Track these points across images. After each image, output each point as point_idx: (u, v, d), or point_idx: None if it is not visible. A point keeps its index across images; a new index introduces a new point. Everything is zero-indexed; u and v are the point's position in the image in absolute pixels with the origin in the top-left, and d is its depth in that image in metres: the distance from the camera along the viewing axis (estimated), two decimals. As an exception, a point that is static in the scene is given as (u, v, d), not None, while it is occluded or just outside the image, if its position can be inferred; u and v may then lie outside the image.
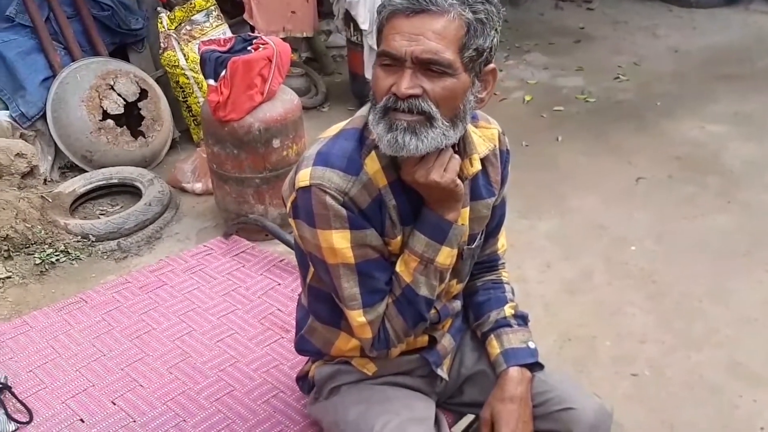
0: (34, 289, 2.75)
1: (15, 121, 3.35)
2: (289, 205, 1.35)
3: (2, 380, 1.69)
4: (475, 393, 1.53)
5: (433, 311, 1.40)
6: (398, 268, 1.33)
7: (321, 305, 1.47)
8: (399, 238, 1.32)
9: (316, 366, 1.55)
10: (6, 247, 2.79)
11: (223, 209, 3.02)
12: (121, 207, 3.34)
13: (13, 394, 1.67)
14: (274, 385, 1.76)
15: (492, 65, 1.24)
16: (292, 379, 1.78)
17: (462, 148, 1.31)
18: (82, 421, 1.63)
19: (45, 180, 3.40)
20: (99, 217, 3.23)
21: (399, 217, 1.30)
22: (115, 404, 1.68)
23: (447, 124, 1.19)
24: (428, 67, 1.15)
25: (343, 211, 1.24)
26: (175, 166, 3.53)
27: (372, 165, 1.27)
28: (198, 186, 3.40)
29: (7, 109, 3.37)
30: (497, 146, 1.45)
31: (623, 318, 2.62)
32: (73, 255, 2.90)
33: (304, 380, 1.63)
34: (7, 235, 2.79)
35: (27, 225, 2.88)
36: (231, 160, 2.82)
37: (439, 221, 1.29)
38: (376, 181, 1.27)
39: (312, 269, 1.42)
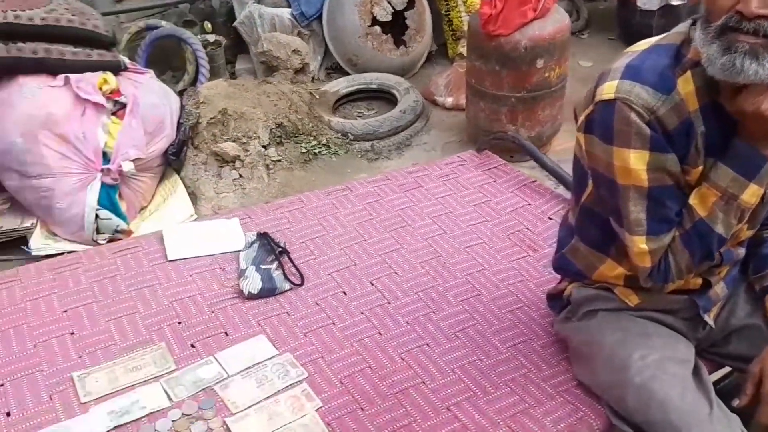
0: (298, 175, 3.03)
1: (295, 19, 3.63)
2: (582, 118, 1.32)
3: (282, 245, 1.91)
4: (743, 347, 1.44)
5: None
6: (692, 200, 1.26)
7: (592, 228, 1.45)
8: (700, 168, 1.24)
9: (574, 286, 1.54)
10: (279, 134, 3.09)
11: (473, 125, 3.06)
12: (376, 111, 3.53)
13: (290, 258, 1.88)
14: (518, 298, 1.80)
15: None
16: (537, 295, 1.81)
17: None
18: (344, 293, 1.80)
19: (312, 78, 3.68)
20: (356, 119, 3.45)
21: (705, 146, 1.22)
22: (372, 285, 1.83)
23: None
24: None
25: (647, 130, 1.19)
26: (430, 79, 3.62)
27: (685, 85, 1.19)
28: (449, 100, 3.46)
29: (290, 7, 3.65)
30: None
31: None
32: (333, 150, 3.14)
33: (555, 298, 1.64)
34: (282, 123, 3.09)
35: (298, 116, 3.15)
36: (491, 77, 2.82)
37: (754, 156, 1.18)
38: (687, 104, 1.19)
39: (590, 188, 1.40)
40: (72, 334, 1.63)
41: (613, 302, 1.48)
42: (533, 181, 2.29)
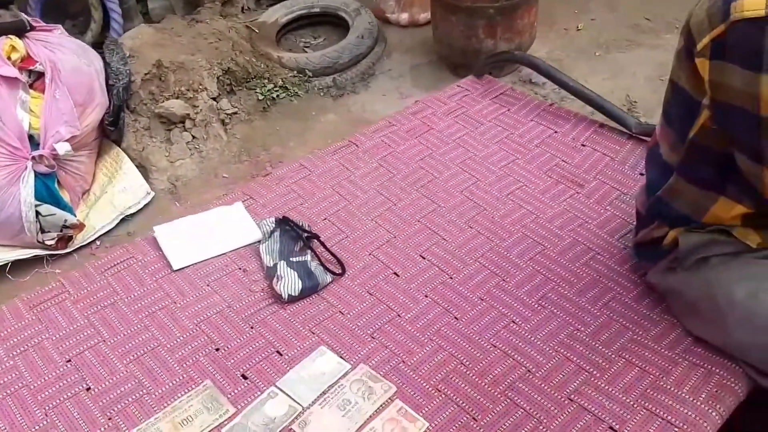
0: (258, 126, 2.66)
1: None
2: (706, 41, 1.07)
3: (307, 228, 1.61)
4: None
5: None
6: None
7: (703, 166, 1.24)
8: None
9: (679, 233, 1.34)
10: (229, 81, 2.67)
11: (445, 44, 2.75)
12: (325, 39, 3.14)
13: (322, 243, 1.58)
14: (587, 246, 1.60)
15: None
16: (603, 239, 1.61)
17: None
18: (396, 274, 1.54)
19: (242, 8, 3.22)
20: (305, 50, 3.05)
21: None
22: (424, 258, 1.57)
23: None
24: None
25: None
26: (377, -5, 3.25)
27: None
28: (404, 17, 3.12)
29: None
30: None
31: None
32: (292, 91, 2.76)
33: (646, 247, 1.44)
34: (229, 68, 2.67)
35: (245, 58, 2.74)
36: (465, -13, 2.51)
37: None
38: None
39: (700, 122, 1.18)
40: (88, 389, 1.30)
41: (730, 246, 1.29)
42: (551, 104, 2.05)
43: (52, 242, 2.27)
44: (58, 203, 2.30)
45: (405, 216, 1.69)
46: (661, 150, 1.35)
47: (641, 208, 1.44)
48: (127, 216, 2.43)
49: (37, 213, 2.23)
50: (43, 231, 2.26)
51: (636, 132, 1.88)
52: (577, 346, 1.36)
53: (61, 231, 2.29)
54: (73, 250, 2.32)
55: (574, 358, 1.34)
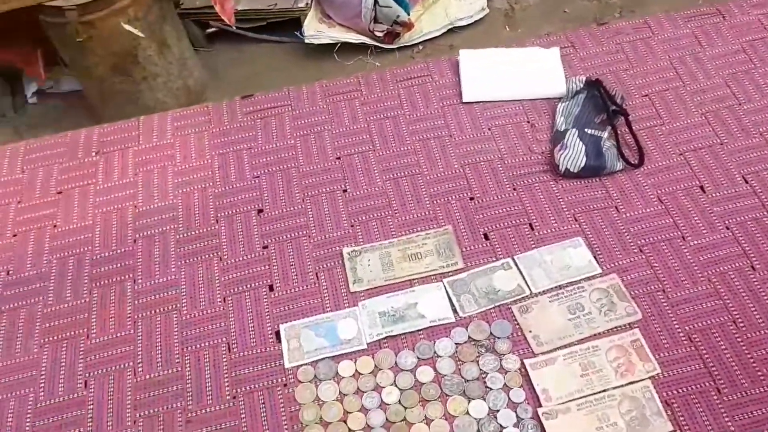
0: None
1: None
2: None
3: (618, 101, 1.37)
4: None
5: None
6: None
7: None
8: None
9: None
10: None
11: None
12: None
13: (628, 123, 1.34)
14: None
15: None
16: None
17: None
18: (702, 189, 1.26)
19: None
20: None
21: None
22: (746, 182, 1.26)
23: None
24: None
25: None
26: None
27: None
28: None
29: None
30: None
31: None
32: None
33: None
34: None
35: None
36: None
37: None
38: None
39: None
40: (345, 191, 1.33)
41: None
42: None
43: (381, 34, 2.32)
44: (398, -2, 2.30)
45: (746, 122, 1.34)
46: None
47: None
48: (455, 28, 2.36)
49: (376, 2, 2.27)
50: (376, 21, 2.31)
51: None
52: None
53: (391, 25, 2.32)
54: (397, 48, 2.35)
55: None
